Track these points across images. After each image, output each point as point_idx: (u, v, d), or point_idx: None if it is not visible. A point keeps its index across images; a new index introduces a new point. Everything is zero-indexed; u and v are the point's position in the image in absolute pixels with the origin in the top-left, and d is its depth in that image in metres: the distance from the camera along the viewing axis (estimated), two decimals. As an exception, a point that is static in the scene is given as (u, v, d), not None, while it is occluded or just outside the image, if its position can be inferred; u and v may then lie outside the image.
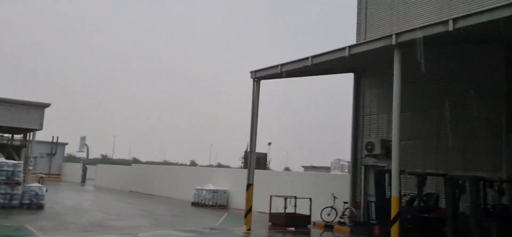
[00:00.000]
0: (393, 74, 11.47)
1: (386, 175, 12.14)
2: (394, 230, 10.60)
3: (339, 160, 39.53)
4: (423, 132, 15.44)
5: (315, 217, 17.54)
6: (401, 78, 11.39)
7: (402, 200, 12.22)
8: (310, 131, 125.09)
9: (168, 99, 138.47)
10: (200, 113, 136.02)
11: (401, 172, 11.83)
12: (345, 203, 17.23)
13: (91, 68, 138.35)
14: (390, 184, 11.39)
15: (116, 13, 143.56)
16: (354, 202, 17.25)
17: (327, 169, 44.55)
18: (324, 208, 17.53)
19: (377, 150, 16.24)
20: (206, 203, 23.57)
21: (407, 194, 13.44)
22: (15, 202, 17.50)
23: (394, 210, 10.70)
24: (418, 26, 11.40)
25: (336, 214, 17.37)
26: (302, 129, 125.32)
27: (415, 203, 12.76)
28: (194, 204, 24.18)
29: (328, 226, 16.94)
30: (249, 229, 15.03)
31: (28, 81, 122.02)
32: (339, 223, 17.06)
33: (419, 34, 11.12)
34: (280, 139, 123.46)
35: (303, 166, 58.53)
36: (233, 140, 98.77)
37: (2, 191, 17.27)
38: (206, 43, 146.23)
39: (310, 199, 17.59)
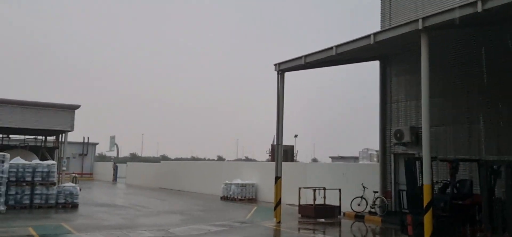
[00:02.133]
0: (420, 60, 11.22)
1: (417, 162, 11.91)
2: (427, 219, 10.41)
3: (367, 149, 39.09)
4: (454, 117, 15.09)
5: (345, 208, 17.43)
6: (429, 63, 11.13)
7: (435, 188, 11.97)
8: (336, 121, 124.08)
9: (194, 95, 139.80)
10: (226, 108, 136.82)
11: (433, 159, 11.60)
12: (375, 192, 17.04)
13: (118, 68, 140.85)
14: (421, 172, 11.18)
15: (141, 11, 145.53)
16: (385, 191, 17.04)
17: (355, 159, 44.11)
18: (354, 198, 17.39)
19: (407, 138, 15.99)
20: (235, 197, 23.74)
21: (439, 181, 13.18)
22: (51, 201, 18.08)
23: (426, 198, 10.50)
24: (445, 8, 11.10)
25: (367, 204, 17.20)
26: (328, 119, 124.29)
27: (448, 190, 12.49)
28: (223, 198, 24.39)
29: (358, 216, 16.80)
30: (279, 222, 15.05)
31: (58, 83, 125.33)
32: (370, 212, 16.89)
33: (446, 17, 10.82)
34: (306, 131, 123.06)
35: (330, 157, 58.17)
36: (259, 133, 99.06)
37: (38, 192, 17.86)
38: (231, 38, 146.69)
39: (340, 190, 17.48)
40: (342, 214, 17.37)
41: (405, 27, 11.85)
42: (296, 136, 52.41)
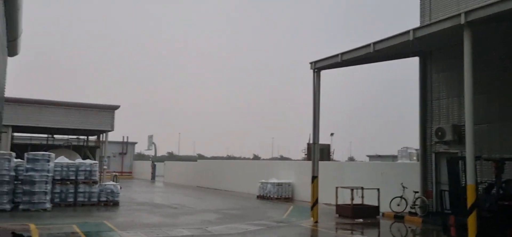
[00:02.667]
0: (462, 55, 10.83)
1: (460, 161, 11.51)
2: (471, 220, 10.05)
3: (407, 148, 38.11)
4: (499, 115, 14.49)
5: (384, 208, 17.08)
6: (472, 58, 10.72)
7: (479, 188, 11.53)
8: (374, 119, 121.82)
9: (229, 94, 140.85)
10: (262, 107, 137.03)
11: (477, 158, 11.17)
12: (416, 192, 16.60)
13: (155, 69, 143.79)
14: (464, 171, 10.79)
15: (176, 12, 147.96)
16: (425, 191, 16.58)
17: (394, 157, 43.14)
18: (393, 198, 17.02)
19: (449, 136, 15.50)
20: (271, 196, 23.73)
21: (484, 181, 12.68)
22: (94, 199, 18.66)
23: (470, 199, 10.13)
24: (488, 2, 10.65)
25: (406, 204, 16.79)
26: (365, 117, 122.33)
27: (494, 191, 11.99)
28: (259, 197, 24.44)
29: (398, 217, 16.42)
30: (316, 222, 14.93)
31: (98, 84, 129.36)
32: (410, 213, 16.48)
33: (490, 11, 10.40)
34: (343, 129, 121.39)
35: (368, 156, 57.24)
36: (295, 132, 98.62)
37: (81, 190, 18.47)
38: (267, 37, 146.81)
39: (378, 190, 17.15)
40: (381, 214, 17.03)
41: (446, 22, 11.47)
42: (332, 134, 51.84)
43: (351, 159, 65.13)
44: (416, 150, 20.96)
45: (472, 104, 10.60)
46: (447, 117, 16.16)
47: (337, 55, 15.06)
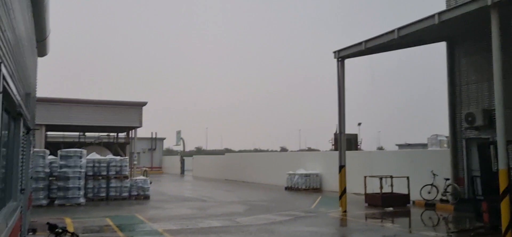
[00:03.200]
0: (490, 38, 10.53)
1: (491, 146, 11.23)
2: (505, 205, 9.81)
3: (437, 135, 37.35)
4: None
5: (414, 196, 16.86)
6: (501, 41, 10.41)
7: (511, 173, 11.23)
8: (402, 107, 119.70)
9: (255, 87, 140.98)
10: (288, 98, 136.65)
11: (508, 142, 10.88)
12: (447, 179, 16.30)
13: (181, 65, 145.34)
14: (496, 157, 10.53)
15: (201, 8, 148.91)
16: (457, 178, 16.26)
17: (424, 145, 42.35)
18: (423, 186, 16.77)
19: (479, 121, 15.13)
20: (299, 187, 23.75)
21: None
22: (125, 194, 19.14)
23: (502, 184, 9.89)
24: (519, -19, 10.31)
25: (437, 192, 16.52)
26: (393, 106, 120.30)
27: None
28: (287, 188, 24.50)
29: (429, 205, 16.18)
30: (345, 211, 14.88)
31: (126, 81, 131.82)
32: (441, 200, 16.21)
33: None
34: (370, 118, 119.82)
35: (397, 145, 56.35)
36: (322, 123, 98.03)
37: (113, 185, 18.97)
38: (294, 28, 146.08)
39: (408, 178, 16.92)
40: (411, 202, 16.82)
41: (473, 4, 11.17)
42: (359, 124, 51.35)
43: (380, 148, 64.29)
44: (446, 137, 20.50)
45: (502, 88, 10.31)
46: (477, 102, 15.77)
47: (360, 43, 14.89)
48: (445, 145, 32.57)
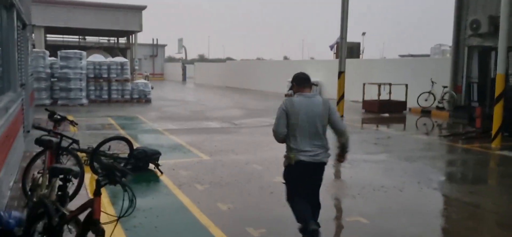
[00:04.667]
0: None
1: (493, 53, 11.15)
2: (497, 110, 9.92)
3: (440, 45, 36.77)
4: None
5: (412, 104, 17.04)
6: None
7: (509, 80, 11.24)
8: (408, 17, 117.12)
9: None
10: (292, 7, 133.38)
11: (509, 48, 10.77)
12: (445, 87, 16.37)
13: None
14: (496, 64, 10.49)
15: None
16: (455, 86, 16.30)
17: (427, 56, 41.90)
18: (421, 94, 16.90)
19: (484, 28, 14.83)
20: (299, 94, 23.93)
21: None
22: (127, 96, 19.42)
23: (498, 89, 9.92)
24: None
25: (434, 99, 16.68)
26: (399, 16, 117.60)
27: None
28: (287, 95, 24.72)
29: (425, 112, 16.42)
30: (341, 116, 15.10)
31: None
32: (437, 108, 16.41)
33: None
34: (376, 29, 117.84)
35: (400, 55, 55.85)
36: (326, 33, 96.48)
37: (115, 87, 19.18)
38: None
39: (406, 85, 16.99)
40: (408, 109, 17.05)
41: None
42: (364, 33, 50.46)
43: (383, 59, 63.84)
44: (450, 46, 20.19)
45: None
46: (484, 9, 15.34)
47: None
48: (448, 55, 32.24)
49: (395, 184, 6.64)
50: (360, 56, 29.37)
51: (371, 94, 17.60)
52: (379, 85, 16.84)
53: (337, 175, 7.56)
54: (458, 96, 16.05)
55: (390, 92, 17.24)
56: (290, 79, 4.65)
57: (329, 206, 5.61)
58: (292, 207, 4.23)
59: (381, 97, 16.83)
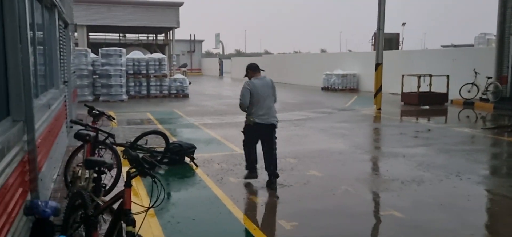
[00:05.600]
0: None
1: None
2: (546, 101, 9.44)
3: (485, 34, 35.29)
4: None
5: (454, 95, 16.47)
6: None
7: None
8: (450, 6, 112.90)
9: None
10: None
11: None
12: (489, 78, 15.71)
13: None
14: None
15: None
16: (500, 76, 15.62)
17: (470, 46, 40.35)
18: (463, 85, 16.30)
19: (530, 16, 14.14)
20: (336, 87, 23.66)
21: None
22: (165, 92, 19.82)
23: (546, 79, 9.44)
24: None
25: (478, 91, 16.05)
26: (441, 5, 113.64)
27: None
28: (324, 89, 24.49)
29: (468, 103, 15.83)
30: (379, 109, 14.83)
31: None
32: (481, 99, 15.79)
33: None
34: (417, 20, 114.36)
35: (442, 46, 54.04)
36: (364, 24, 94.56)
37: (153, 83, 19.61)
38: None
39: (447, 76, 16.43)
40: (449, 101, 16.49)
41: None
42: (404, 24, 49.21)
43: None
44: (495, 35, 19.31)
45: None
46: (531, -5, 14.62)
47: None
48: (493, 44, 30.92)
49: (433, 178, 6.45)
50: (400, 47, 28.61)
51: (411, 86, 17.15)
52: (419, 76, 16.37)
53: (374, 168, 7.43)
54: (503, 88, 15.39)
55: (430, 84, 16.73)
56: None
57: (364, 200, 5.53)
58: (245, 152, 6.07)
59: (421, 89, 16.36)
